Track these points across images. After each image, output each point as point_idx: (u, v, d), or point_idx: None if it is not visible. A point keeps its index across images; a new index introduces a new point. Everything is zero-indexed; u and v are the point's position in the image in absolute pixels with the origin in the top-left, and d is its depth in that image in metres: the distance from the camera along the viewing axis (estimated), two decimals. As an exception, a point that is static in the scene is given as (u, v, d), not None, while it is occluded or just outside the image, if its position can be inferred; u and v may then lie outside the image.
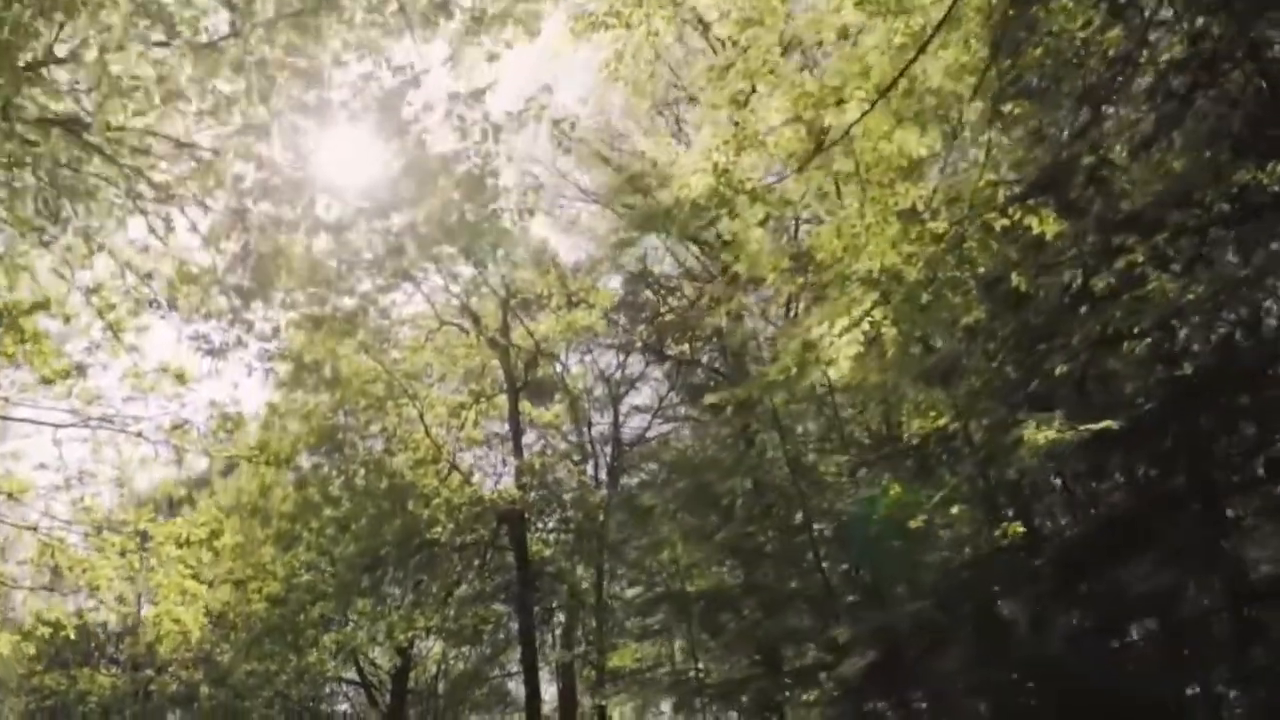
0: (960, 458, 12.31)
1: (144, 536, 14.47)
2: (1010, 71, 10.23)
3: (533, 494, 22.73)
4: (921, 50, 8.97)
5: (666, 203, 11.24)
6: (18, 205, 14.34)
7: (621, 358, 31.78)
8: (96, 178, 10.80)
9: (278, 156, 15.19)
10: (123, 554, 13.69)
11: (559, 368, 29.06)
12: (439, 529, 22.05)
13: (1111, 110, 11.25)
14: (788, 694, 13.86)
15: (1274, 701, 10.36)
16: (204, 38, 9.47)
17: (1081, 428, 9.50)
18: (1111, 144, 10.88)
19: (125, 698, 36.25)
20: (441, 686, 36.19)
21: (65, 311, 15.14)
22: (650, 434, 33.64)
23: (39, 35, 9.24)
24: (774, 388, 11.17)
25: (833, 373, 10.36)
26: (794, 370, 10.41)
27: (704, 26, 13.13)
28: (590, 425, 30.01)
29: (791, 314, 18.47)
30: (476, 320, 24.88)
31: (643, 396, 33.88)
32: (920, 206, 10.38)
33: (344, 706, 38.35)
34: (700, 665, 19.41)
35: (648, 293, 25.45)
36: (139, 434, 13.55)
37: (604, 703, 28.80)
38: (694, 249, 24.89)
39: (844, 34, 9.58)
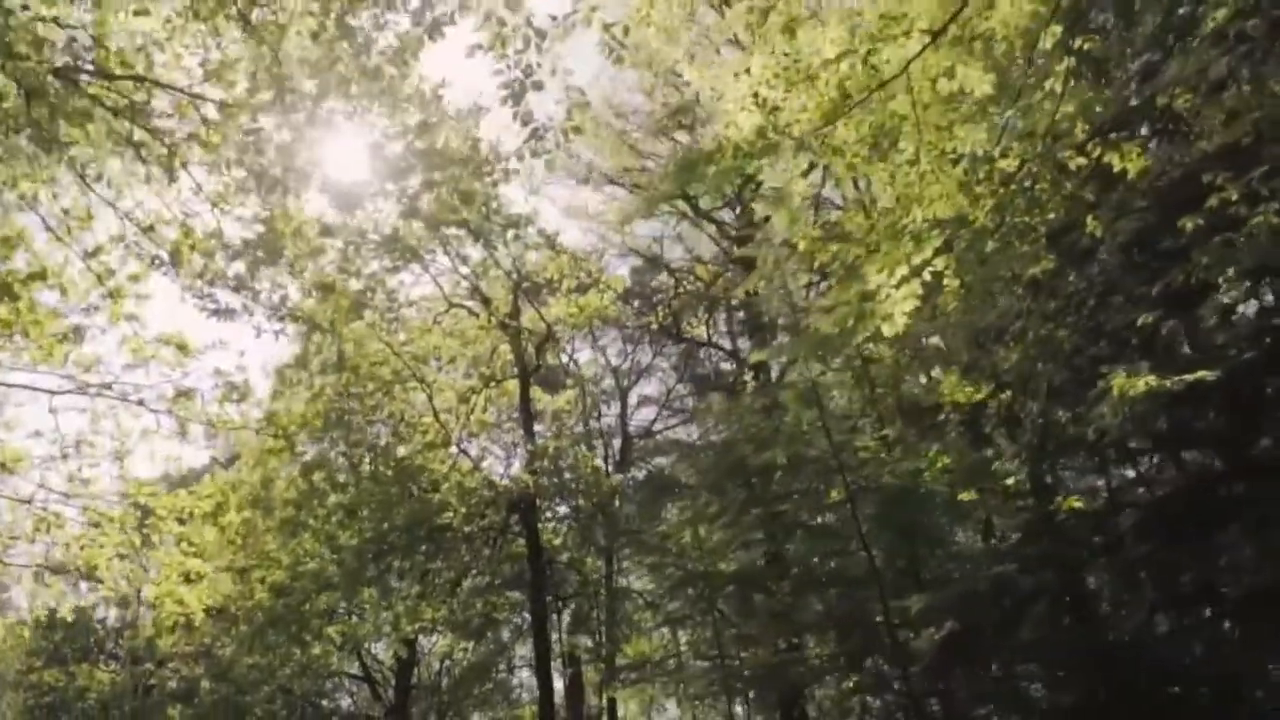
0: (1017, 423, 11.44)
1: (145, 513, 13.53)
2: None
3: (545, 479, 21.79)
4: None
5: (708, 147, 10.31)
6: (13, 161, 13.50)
7: (630, 348, 31.00)
8: (92, 102, 9.89)
9: (288, 113, 14.31)
10: (123, 530, 12.74)
11: (567, 356, 28.26)
12: (450, 513, 21.10)
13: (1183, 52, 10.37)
14: (827, 679, 12.93)
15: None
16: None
17: (1175, 379, 8.62)
18: (1183, 87, 10.01)
19: (124, 694, 35.32)
20: (445, 682, 35.30)
21: (62, 281, 14.23)
22: (657, 427, 32.89)
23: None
24: (828, 344, 10.28)
25: (886, 329, 9.44)
26: (851, 322, 9.52)
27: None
28: (599, 415, 29.15)
29: (817, 291, 17.68)
30: (486, 302, 23.98)
31: (650, 387, 33.13)
32: (981, 151, 9.53)
33: (346, 702, 37.39)
34: (724, 652, 18.46)
35: (663, 275, 24.54)
36: (139, 402, 12.61)
37: (614, 695, 27.97)
38: (710, 229, 24.02)
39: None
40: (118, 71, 12.02)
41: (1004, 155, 9.01)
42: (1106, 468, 11.86)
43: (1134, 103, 9.92)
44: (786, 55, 9.21)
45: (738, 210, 23.46)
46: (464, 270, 24.45)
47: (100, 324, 12.86)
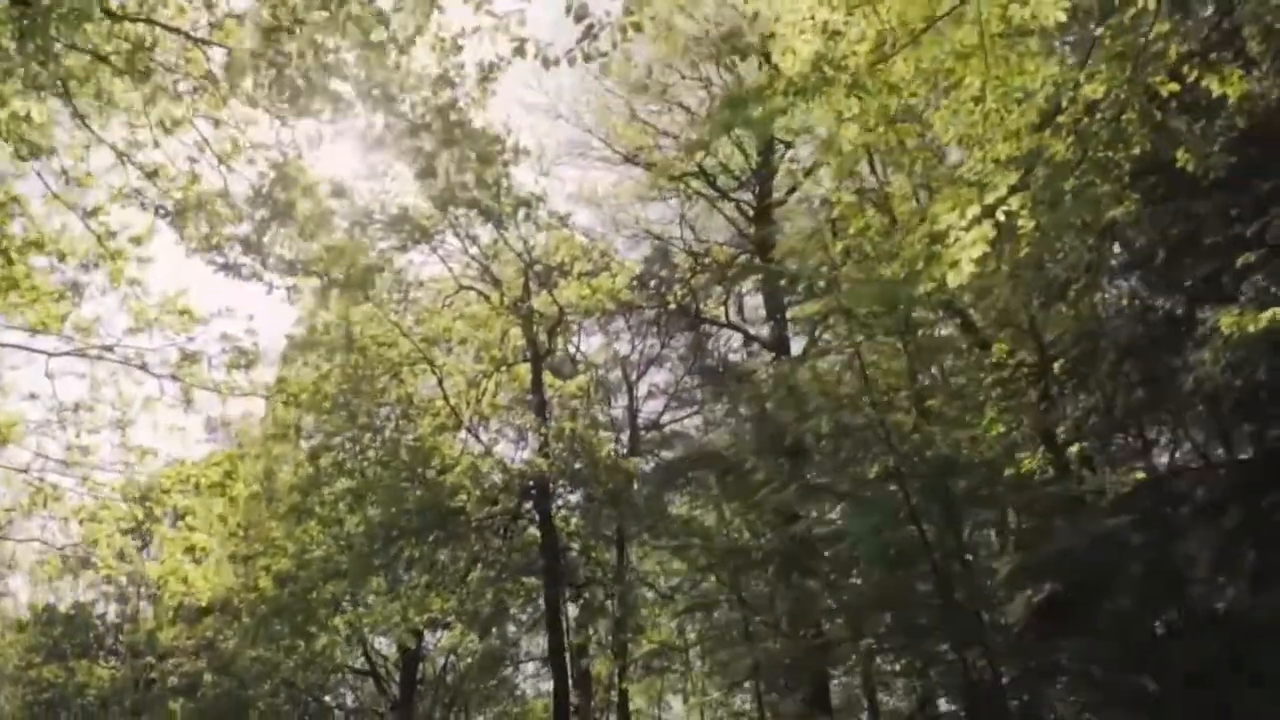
0: (1084, 385, 10.59)
1: (148, 489, 12.62)
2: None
3: (560, 462, 20.89)
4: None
5: (759, 81, 9.47)
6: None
7: (638, 341, 30.11)
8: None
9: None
10: (125, 499, 11.84)
11: (575, 346, 27.35)
12: (464, 496, 20.19)
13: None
14: (878, 660, 12.03)
15: None
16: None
17: (1291, 315, 7.77)
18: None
19: (125, 689, 34.36)
20: (451, 678, 34.37)
21: (60, 247, 13.34)
22: (665, 419, 32.00)
23: None
24: (888, 294, 9.43)
25: (952, 277, 8.57)
26: (920, 264, 8.66)
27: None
28: (610, 403, 28.25)
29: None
30: (497, 284, 23.12)
31: (659, 376, 32.25)
32: (1060, 81, 8.69)
33: (350, 698, 36.44)
34: (753, 637, 17.52)
35: (678, 257, 23.64)
36: (142, 366, 11.72)
37: (627, 688, 27.06)
38: (727, 210, 23.15)
39: None
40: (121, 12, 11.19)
41: (1090, 79, 8.14)
42: (1184, 429, 11.00)
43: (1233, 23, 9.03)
44: (847, -25, 8.37)
45: (756, 190, 22.59)
46: (474, 251, 23.63)
47: (100, 283, 11.95)
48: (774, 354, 20.73)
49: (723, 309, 22.98)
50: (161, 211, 10.78)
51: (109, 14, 11.32)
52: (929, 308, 10.74)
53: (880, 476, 11.50)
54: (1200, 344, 8.53)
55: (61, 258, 13.19)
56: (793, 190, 22.25)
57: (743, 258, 23.60)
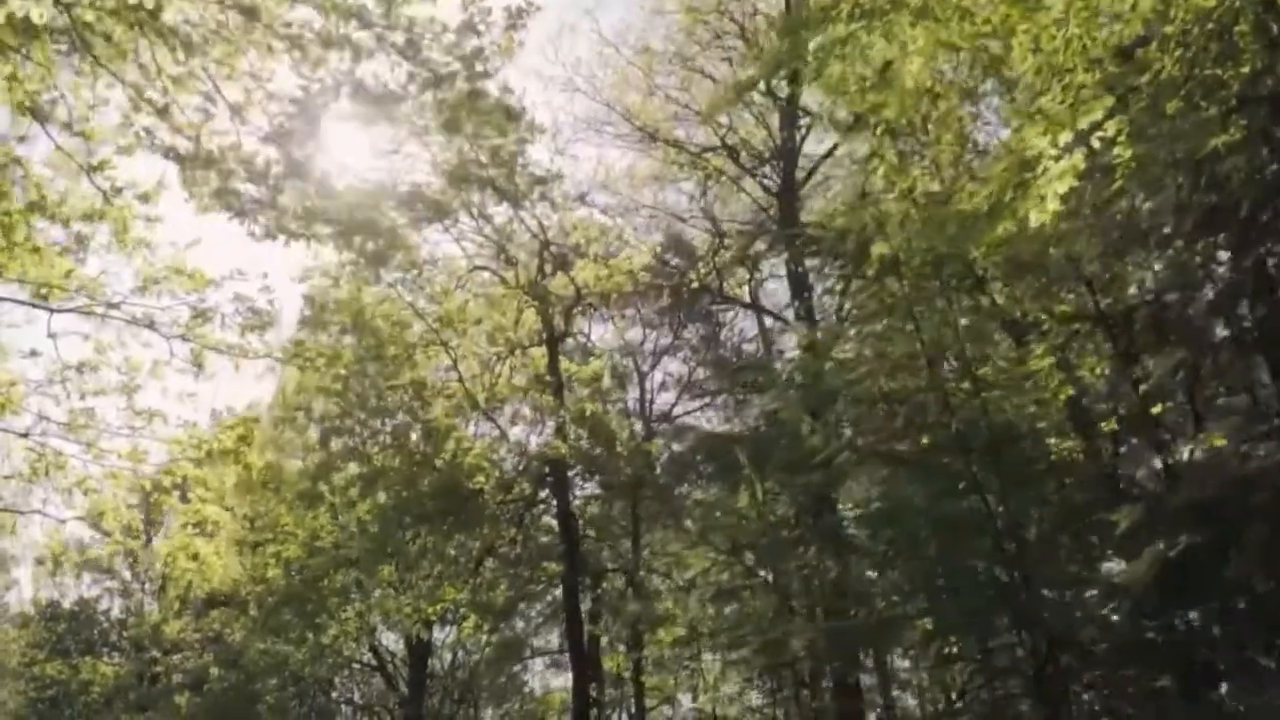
0: (1166, 340, 9.70)
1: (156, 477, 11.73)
2: None
3: (579, 446, 19.99)
4: None
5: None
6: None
7: (649, 332, 29.28)
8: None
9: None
10: (132, 464, 10.94)
11: (585, 336, 26.51)
12: (482, 477, 19.29)
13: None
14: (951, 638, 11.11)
15: None
16: None
17: None
18: None
19: (129, 685, 33.45)
20: (461, 674, 33.48)
21: (64, 212, 12.45)
22: (677, 411, 31.17)
23: None
24: (967, 231, 8.54)
25: (1036, 215, 7.72)
26: (1005, 195, 7.80)
27: None
28: (626, 389, 27.37)
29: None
30: (511, 264, 22.25)
31: (673, 365, 31.43)
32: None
33: (358, 694, 35.51)
34: (784, 621, 16.61)
35: (699, 235, 22.78)
36: (150, 325, 10.82)
37: (644, 679, 26.20)
38: (752, 189, 22.29)
39: None
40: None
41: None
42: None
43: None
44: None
45: (780, 168, 21.71)
46: (488, 231, 22.77)
47: (105, 242, 11.06)
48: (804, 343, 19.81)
49: (745, 289, 22.07)
50: (172, 155, 9.88)
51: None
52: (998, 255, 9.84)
53: (933, 445, 10.62)
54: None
55: (66, 222, 12.31)
56: (816, 169, 21.45)
57: (770, 231, 22.68)
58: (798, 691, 27.55)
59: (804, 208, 22.13)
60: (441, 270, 22.08)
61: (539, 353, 22.92)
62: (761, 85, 20.90)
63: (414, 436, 20.37)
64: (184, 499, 11.79)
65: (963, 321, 11.44)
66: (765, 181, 21.64)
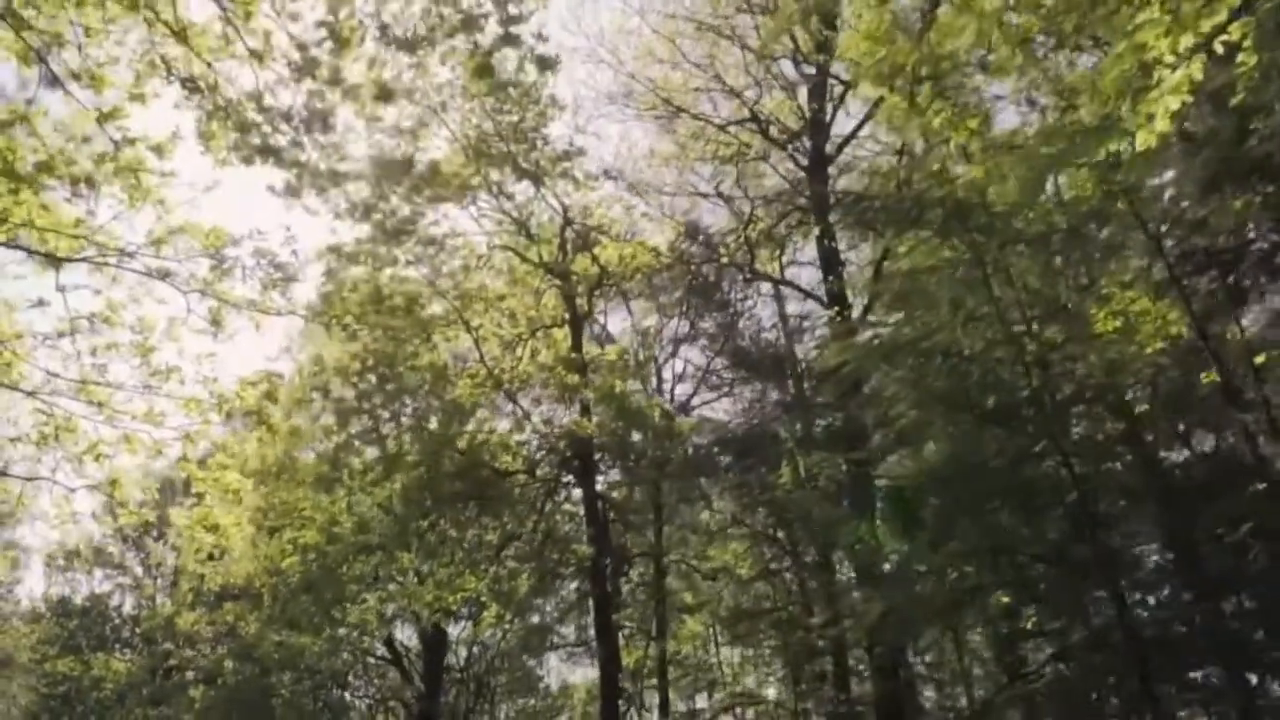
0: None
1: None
2: None
3: (606, 426, 19.17)
4: None
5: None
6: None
7: (666, 320, 28.50)
8: None
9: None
10: (148, 421, 10.11)
11: (603, 323, 25.75)
12: (509, 457, 18.47)
13: None
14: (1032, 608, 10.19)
15: None
16: None
17: None
18: None
19: (142, 680, 32.72)
20: (479, 668, 32.70)
21: (74, 172, 11.65)
22: (694, 403, 30.39)
23: None
24: (1072, 152, 7.69)
25: (1142, 138, 6.89)
26: (1126, 103, 6.96)
27: None
28: (647, 373, 26.56)
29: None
30: (532, 241, 21.48)
31: (691, 353, 30.66)
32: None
33: (372, 689, 34.71)
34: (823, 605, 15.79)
35: (724, 213, 21.95)
36: (164, 276, 9.99)
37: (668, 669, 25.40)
38: (781, 165, 21.45)
39: None
40: None
41: None
42: None
43: None
44: None
45: (809, 143, 20.87)
46: (508, 209, 21.98)
47: (116, 190, 10.26)
48: (836, 311, 19.00)
49: (774, 265, 21.22)
50: (189, 86, 9.10)
51: None
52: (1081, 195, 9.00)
53: (1009, 403, 9.78)
54: None
55: (75, 181, 11.52)
56: (849, 140, 20.62)
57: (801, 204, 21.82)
58: (819, 684, 26.80)
59: (834, 186, 21.30)
60: (461, 248, 21.30)
61: (561, 334, 22.14)
62: (792, 51, 20.14)
63: (434, 419, 19.55)
64: (202, 465, 11.00)
65: (1034, 275, 10.60)
66: (795, 154, 20.78)
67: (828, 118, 20.85)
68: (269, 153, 9.51)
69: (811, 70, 20.74)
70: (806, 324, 28.46)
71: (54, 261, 9.57)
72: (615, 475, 23.84)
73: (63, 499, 10.57)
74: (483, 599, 22.87)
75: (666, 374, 29.13)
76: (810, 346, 28.50)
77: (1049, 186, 9.84)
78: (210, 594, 29.24)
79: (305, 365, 20.37)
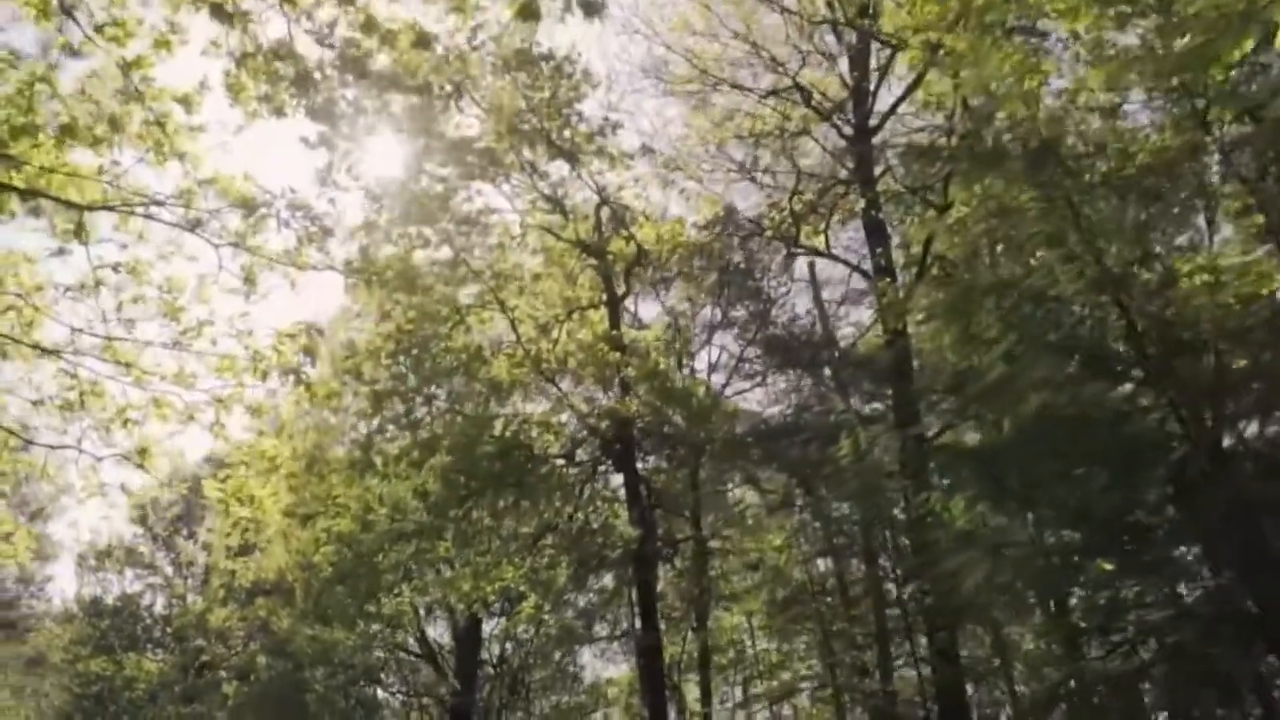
0: None
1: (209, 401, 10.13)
2: None
3: (648, 405, 18.31)
4: None
5: None
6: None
7: (696, 308, 27.69)
8: None
9: None
10: (177, 382, 9.34)
11: (634, 311, 24.93)
12: (551, 436, 17.65)
13: None
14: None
15: None
16: None
17: None
18: None
19: (175, 678, 32.13)
20: (515, 660, 31.94)
21: (96, 133, 10.90)
22: (728, 392, 29.56)
23: None
24: (1199, 53, 6.75)
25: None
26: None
27: None
28: (682, 359, 25.72)
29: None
30: (566, 216, 20.68)
31: (726, 340, 29.84)
32: None
33: (404, 686, 33.97)
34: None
35: (761, 191, 21.06)
36: (195, 226, 9.19)
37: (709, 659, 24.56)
38: (823, 137, 20.57)
39: None
40: None
41: None
42: None
43: None
44: None
45: (852, 113, 19.99)
46: (542, 187, 21.20)
47: (140, 145, 9.51)
48: (887, 283, 18.11)
49: (821, 239, 20.31)
50: (219, 14, 8.33)
51: None
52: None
53: (1105, 352, 8.88)
54: None
55: (98, 141, 10.77)
56: (895, 109, 19.70)
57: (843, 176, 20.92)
58: (861, 677, 25.93)
59: (878, 159, 20.43)
60: (494, 226, 20.53)
61: (597, 316, 21.33)
62: (833, 18, 19.31)
63: (471, 402, 18.77)
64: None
65: (1119, 221, 9.68)
66: (839, 124, 19.90)
67: (871, 86, 19.97)
68: (303, 88, 8.70)
69: (853, 38, 19.91)
70: (844, 309, 27.62)
71: (77, 210, 8.84)
72: (656, 461, 23.04)
73: (90, 469, 9.85)
74: (521, 589, 22.11)
75: (700, 364, 28.38)
76: (850, 327, 27.62)
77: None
78: (242, 590, 28.67)
79: (336, 351, 19.65)
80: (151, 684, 32.58)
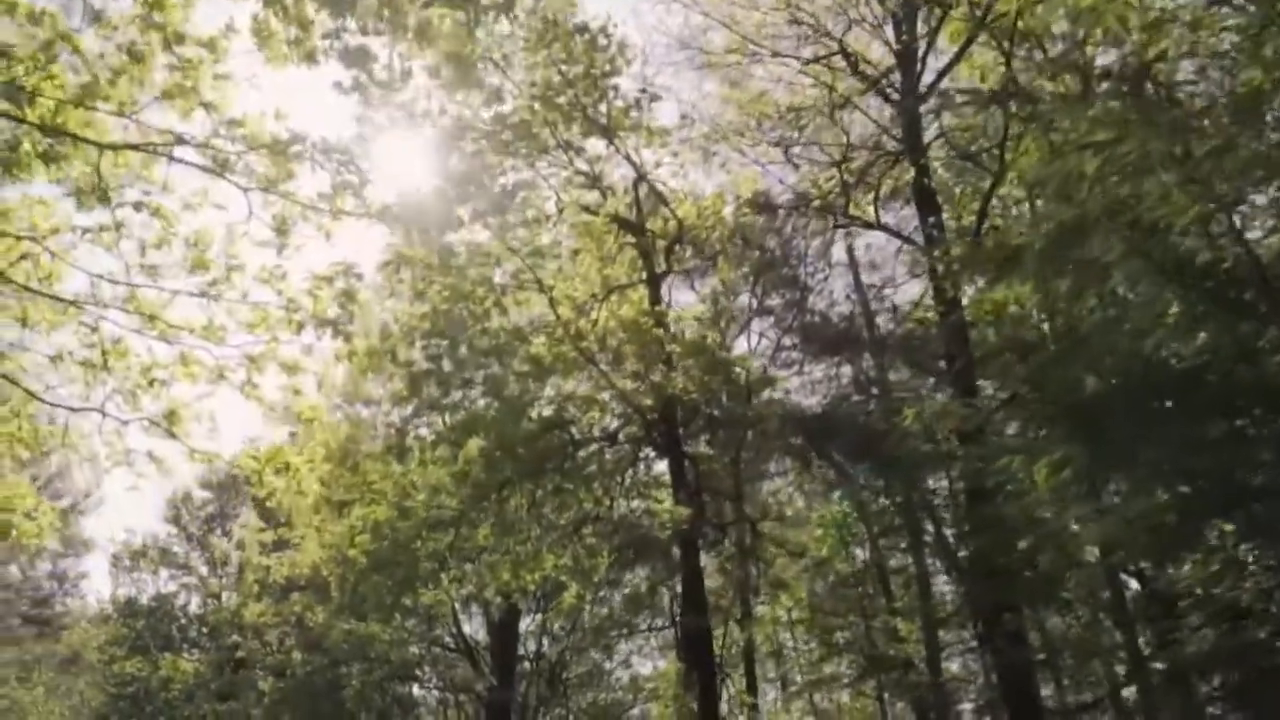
0: None
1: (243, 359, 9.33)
2: None
3: (694, 381, 17.41)
4: None
5: None
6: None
7: (732, 297, 26.79)
8: None
9: None
10: (206, 337, 8.54)
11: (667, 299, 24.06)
12: (597, 412, 16.79)
13: None
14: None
15: None
16: None
17: None
18: None
19: (211, 676, 31.52)
20: (554, 651, 31.15)
21: (121, 96, 10.14)
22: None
23: None
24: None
25: None
26: None
27: None
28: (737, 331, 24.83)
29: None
30: (604, 194, 19.89)
31: (764, 325, 28.93)
32: None
33: (441, 681, 33.22)
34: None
35: (811, 152, 20.09)
36: (224, 166, 8.35)
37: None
38: (870, 108, 19.64)
39: None
40: None
41: None
42: None
43: None
44: None
45: (899, 81, 19.01)
46: (579, 164, 20.41)
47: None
48: (942, 255, 17.15)
49: (873, 208, 19.32)
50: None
51: None
52: None
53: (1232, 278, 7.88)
54: None
55: (122, 105, 9.99)
56: (946, 73, 18.71)
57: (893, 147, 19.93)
58: (905, 671, 25.03)
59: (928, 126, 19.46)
60: (531, 203, 19.72)
61: (637, 295, 20.49)
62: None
63: (511, 381, 17.95)
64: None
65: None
66: (887, 90, 18.94)
67: (920, 51, 19.01)
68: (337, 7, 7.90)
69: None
70: (888, 291, 26.68)
71: (96, 150, 8.07)
72: (697, 446, 22.16)
73: (115, 434, 9.06)
74: (562, 578, 21.28)
75: (737, 351, 27.48)
76: (888, 313, 26.62)
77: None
78: (276, 586, 28.08)
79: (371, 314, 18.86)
80: (188, 684, 32.01)
